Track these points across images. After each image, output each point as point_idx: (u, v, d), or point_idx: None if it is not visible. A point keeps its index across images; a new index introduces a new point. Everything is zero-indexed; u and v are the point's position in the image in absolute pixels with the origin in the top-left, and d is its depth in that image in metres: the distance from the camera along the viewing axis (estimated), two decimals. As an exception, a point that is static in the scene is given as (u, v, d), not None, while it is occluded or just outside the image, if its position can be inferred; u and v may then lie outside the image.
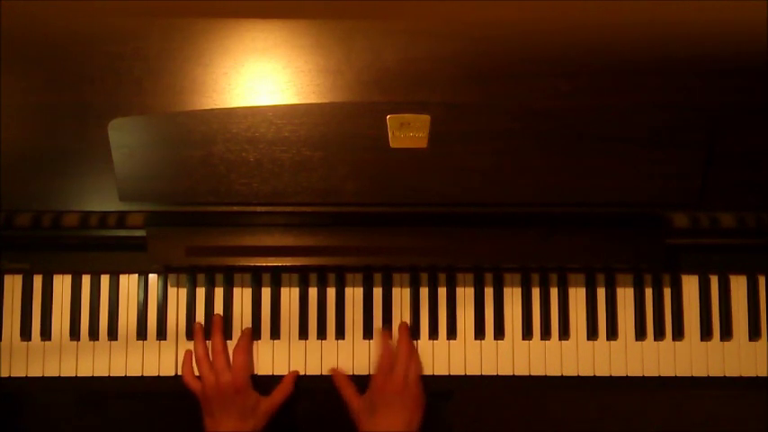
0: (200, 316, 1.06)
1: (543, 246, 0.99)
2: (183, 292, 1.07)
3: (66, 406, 1.55)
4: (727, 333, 1.07)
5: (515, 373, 1.06)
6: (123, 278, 1.07)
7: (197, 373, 1.02)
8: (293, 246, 1.00)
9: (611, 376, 1.06)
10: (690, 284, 1.08)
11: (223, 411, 0.98)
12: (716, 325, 1.07)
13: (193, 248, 0.99)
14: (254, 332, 1.06)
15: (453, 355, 1.06)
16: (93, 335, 1.06)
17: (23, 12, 0.94)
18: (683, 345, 1.07)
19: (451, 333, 1.07)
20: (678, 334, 1.07)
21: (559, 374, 1.06)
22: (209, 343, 1.03)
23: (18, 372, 1.05)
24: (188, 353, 1.04)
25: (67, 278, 1.06)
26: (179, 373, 1.05)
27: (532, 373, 1.06)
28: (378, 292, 1.07)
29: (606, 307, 1.07)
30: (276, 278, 1.07)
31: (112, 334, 1.05)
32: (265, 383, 1.03)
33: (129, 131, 0.92)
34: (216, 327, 1.03)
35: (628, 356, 1.07)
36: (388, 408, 0.97)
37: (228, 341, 1.05)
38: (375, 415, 0.97)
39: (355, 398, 1.01)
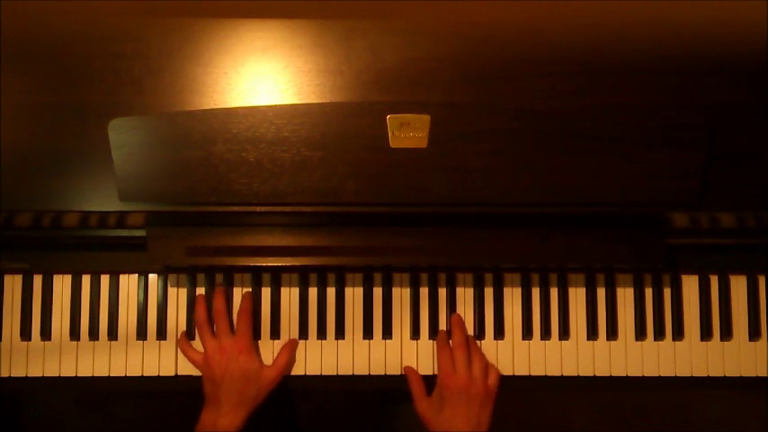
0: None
1: (543, 246, 0.99)
2: (183, 292, 1.07)
3: (67, 406, 1.55)
4: (727, 333, 1.07)
5: (515, 373, 1.06)
6: (123, 278, 1.07)
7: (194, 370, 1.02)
8: (293, 246, 1.00)
9: (611, 376, 1.06)
10: (690, 284, 1.08)
11: (225, 374, 0.97)
12: (716, 325, 1.07)
13: (193, 248, 0.99)
14: (254, 332, 1.05)
15: (453, 355, 1.06)
16: (93, 335, 1.06)
17: (23, 12, 0.94)
18: (683, 345, 1.07)
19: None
20: (678, 334, 1.07)
21: (559, 374, 1.06)
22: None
23: (18, 372, 1.05)
24: (182, 333, 1.05)
25: (67, 278, 1.06)
26: (179, 372, 1.05)
27: (532, 373, 1.06)
28: (378, 292, 1.07)
29: (606, 307, 1.07)
30: (276, 278, 1.07)
31: (112, 334, 1.05)
32: (265, 383, 1.03)
33: (129, 131, 0.92)
34: (218, 294, 1.04)
35: (628, 356, 1.07)
36: (456, 405, 0.98)
37: (228, 341, 1.05)
38: (442, 413, 0.98)
39: (423, 397, 1.01)
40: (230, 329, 1.02)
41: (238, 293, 1.07)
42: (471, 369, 1.00)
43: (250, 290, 1.06)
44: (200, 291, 1.07)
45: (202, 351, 1.01)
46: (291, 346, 1.04)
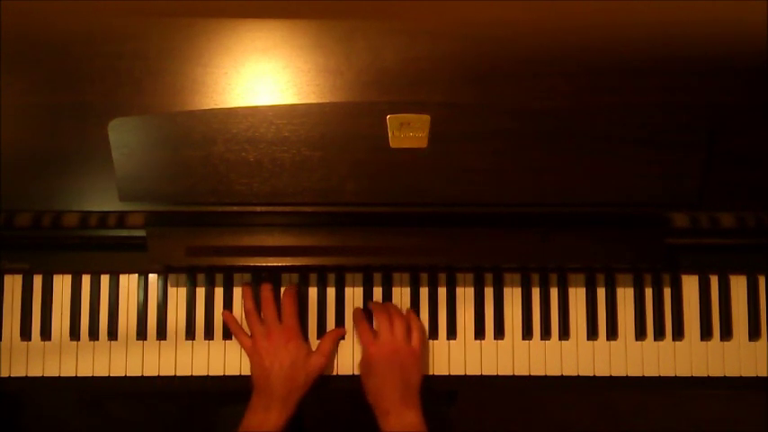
0: (199, 316, 1.06)
1: (543, 246, 0.99)
2: (183, 292, 1.07)
3: (67, 406, 1.55)
4: (727, 333, 1.07)
5: (515, 373, 1.06)
6: (123, 278, 1.07)
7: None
8: (293, 246, 1.00)
9: (611, 376, 1.06)
10: (690, 284, 1.08)
11: (275, 361, 0.98)
12: (716, 325, 1.07)
13: (193, 248, 0.99)
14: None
15: (453, 354, 1.06)
16: (93, 335, 1.06)
17: (23, 12, 0.94)
18: (683, 345, 1.07)
19: (451, 333, 1.07)
20: (678, 334, 1.07)
21: (559, 374, 1.06)
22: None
23: (18, 372, 1.05)
24: (226, 313, 1.05)
25: (67, 278, 1.06)
26: (179, 373, 1.05)
27: (532, 373, 1.06)
28: (378, 292, 1.07)
29: (606, 307, 1.07)
30: (276, 278, 1.07)
31: (112, 334, 1.05)
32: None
33: (129, 131, 0.92)
34: (267, 285, 1.04)
35: (628, 356, 1.07)
36: (382, 372, 0.98)
37: (228, 341, 1.05)
38: (371, 379, 0.99)
39: (368, 333, 1.02)
40: (278, 318, 1.02)
41: (238, 293, 1.06)
42: (393, 333, 1.00)
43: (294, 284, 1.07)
44: (200, 291, 1.07)
45: (250, 338, 1.02)
46: (335, 335, 1.04)
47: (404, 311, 1.05)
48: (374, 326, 1.03)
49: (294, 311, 1.02)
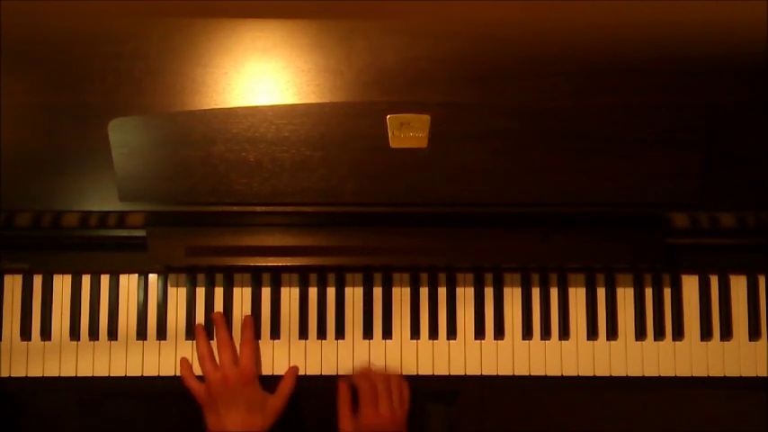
0: (200, 316, 1.06)
1: (543, 246, 0.99)
2: (183, 292, 1.07)
3: (67, 406, 1.55)
4: (727, 333, 1.07)
5: (515, 373, 1.06)
6: (123, 278, 1.07)
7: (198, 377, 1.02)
8: (293, 246, 1.00)
9: (611, 376, 1.06)
10: (690, 284, 1.08)
11: (230, 407, 0.97)
12: (716, 325, 1.07)
13: (193, 248, 0.99)
14: (254, 332, 1.05)
15: (453, 355, 1.06)
16: (93, 335, 1.06)
17: (23, 12, 0.94)
18: (683, 345, 1.07)
19: (451, 333, 1.07)
20: (678, 334, 1.07)
21: (559, 374, 1.06)
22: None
23: (18, 372, 1.05)
24: (183, 359, 1.04)
25: (67, 278, 1.06)
26: (178, 373, 1.04)
27: (532, 373, 1.06)
28: (378, 292, 1.07)
29: (606, 307, 1.07)
30: (276, 278, 1.07)
31: (112, 334, 1.05)
32: (266, 383, 1.03)
33: (129, 131, 0.92)
34: (219, 323, 1.03)
35: (628, 356, 1.07)
36: None
37: (228, 341, 1.05)
38: None
39: (348, 419, 0.99)
40: (234, 358, 1.00)
41: (238, 293, 1.07)
42: (392, 404, 0.98)
43: (250, 314, 1.05)
44: (200, 291, 1.06)
45: (203, 383, 1.00)
46: (293, 373, 1.03)
47: (391, 376, 1.02)
48: (377, 393, 0.99)
49: (253, 353, 1.00)
